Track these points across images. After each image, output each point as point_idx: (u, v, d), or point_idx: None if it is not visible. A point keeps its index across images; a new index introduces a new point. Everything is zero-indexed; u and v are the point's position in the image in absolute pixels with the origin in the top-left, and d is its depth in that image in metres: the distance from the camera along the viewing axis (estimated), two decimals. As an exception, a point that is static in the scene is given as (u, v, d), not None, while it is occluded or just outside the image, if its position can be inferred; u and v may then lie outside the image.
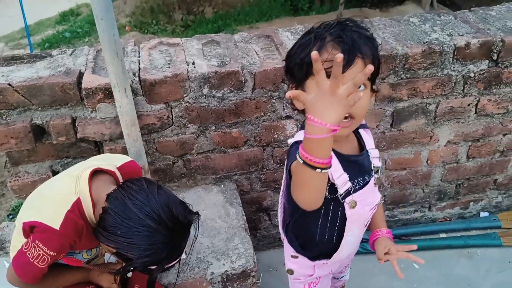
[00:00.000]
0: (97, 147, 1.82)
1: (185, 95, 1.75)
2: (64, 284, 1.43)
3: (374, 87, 1.21)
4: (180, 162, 1.94)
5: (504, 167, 2.31)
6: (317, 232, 1.37)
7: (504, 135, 2.18)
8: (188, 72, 1.71)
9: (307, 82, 1.15)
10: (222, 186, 2.02)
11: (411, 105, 1.98)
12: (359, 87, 1.09)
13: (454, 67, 1.90)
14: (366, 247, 2.28)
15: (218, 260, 1.67)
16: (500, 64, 1.94)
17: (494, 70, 1.95)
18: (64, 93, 1.68)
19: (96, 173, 1.32)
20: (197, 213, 1.34)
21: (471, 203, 2.42)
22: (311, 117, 0.97)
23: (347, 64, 1.07)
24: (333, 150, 1.16)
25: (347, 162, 1.24)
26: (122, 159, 1.45)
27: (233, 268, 1.65)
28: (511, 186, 2.39)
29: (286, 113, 1.90)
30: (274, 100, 1.85)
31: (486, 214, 2.46)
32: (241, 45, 1.91)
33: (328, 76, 1.00)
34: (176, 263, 1.32)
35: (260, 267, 1.87)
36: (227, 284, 1.67)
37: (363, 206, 1.31)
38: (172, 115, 1.80)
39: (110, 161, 1.41)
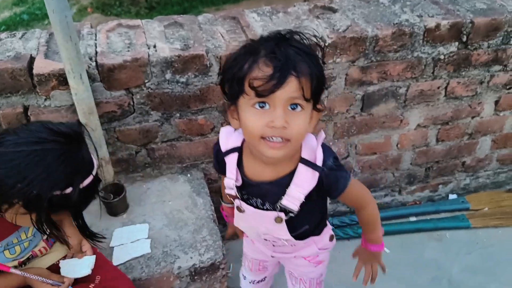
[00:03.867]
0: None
1: (146, 81, 1.65)
2: None
3: (319, 106, 1.11)
4: (143, 152, 1.84)
5: (472, 150, 2.31)
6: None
7: (472, 117, 2.18)
8: (149, 56, 1.61)
9: (239, 100, 1.06)
10: (189, 175, 1.94)
11: (381, 88, 1.94)
12: (294, 108, 1.04)
13: (424, 49, 1.87)
14: (338, 233, 2.26)
15: (186, 253, 1.61)
16: (469, 46, 1.92)
17: (463, 52, 1.93)
18: (14, 79, 1.55)
19: None
20: (80, 123, 1.21)
21: (440, 186, 2.43)
22: None
23: (278, 82, 0.99)
24: (239, 165, 1.23)
25: (247, 182, 1.23)
26: None
27: (201, 261, 1.59)
28: (479, 168, 2.41)
29: (254, 99, 1.82)
30: (241, 85, 1.77)
31: (454, 196, 2.48)
32: (205, 27, 1.81)
33: (258, 94, 1.00)
34: (94, 180, 1.18)
35: (231, 257, 1.82)
36: (195, 277, 1.61)
37: (256, 225, 1.31)
38: (133, 102, 1.70)
39: None
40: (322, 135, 1.19)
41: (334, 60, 1.78)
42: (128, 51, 1.63)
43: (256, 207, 1.27)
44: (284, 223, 1.26)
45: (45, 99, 1.61)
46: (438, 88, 2.01)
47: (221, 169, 1.31)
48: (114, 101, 1.67)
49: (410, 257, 2.22)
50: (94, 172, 1.17)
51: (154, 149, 1.85)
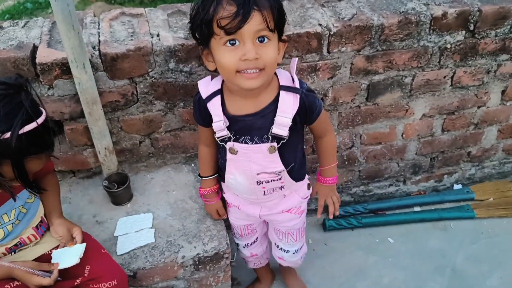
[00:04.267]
0: (57, 127, 1.70)
1: (150, 70, 1.64)
2: None
3: (283, 37, 1.26)
4: (147, 141, 1.84)
5: (478, 140, 2.30)
6: (220, 162, 1.52)
7: (478, 107, 2.15)
8: (152, 45, 1.60)
9: (211, 42, 1.20)
10: (193, 165, 1.93)
11: (386, 78, 1.92)
12: (262, 40, 1.17)
13: (430, 38, 1.84)
14: (341, 223, 2.26)
15: (190, 243, 1.61)
16: (476, 35, 1.89)
17: (470, 41, 1.90)
18: (17, 69, 1.54)
19: None
20: (23, 77, 1.21)
21: (445, 176, 2.41)
22: None
23: (243, 18, 1.12)
24: (222, 106, 1.34)
25: (232, 120, 1.34)
26: None
27: (205, 251, 1.59)
28: (484, 158, 2.39)
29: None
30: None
31: (459, 186, 2.47)
32: (209, 16, 1.79)
33: (227, 32, 1.13)
34: (39, 129, 1.15)
35: (235, 246, 1.82)
36: (200, 267, 1.61)
37: (248, 161, 1.40)
38: (137, 92, 1.69)
39: None
40: (295, 60, 1.33)
41: (340, 49, 1.76)
42: (132, 40, 1.62)
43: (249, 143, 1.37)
44: (277, 153, 1.38)
45: (48, 88, 1.60)
46: (444, 77, 1.99)
47: (203, 119, 1.42)
48: (118, 91, 1.66)
49: (414, 247, 2.22)
50: (39, 120, 1.15)
51: (158, 139, 1.84)
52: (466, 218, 2.32)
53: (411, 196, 2.41)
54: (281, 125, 1.32)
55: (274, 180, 1.46)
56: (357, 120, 2.02)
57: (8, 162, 1.14)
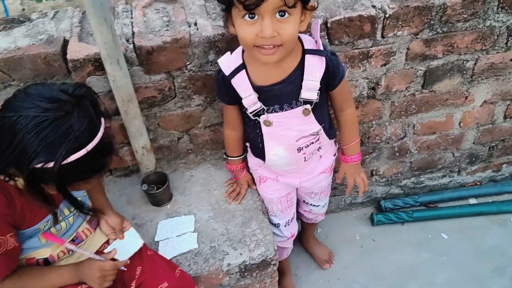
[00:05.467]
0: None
1: (188, 63, 1.51)
2: (49, 287, 1.24)
3: (310, 5, 1.18)
4: (186, 137, 1.73)
5: (542, 126, 2.09)
6: (254, 141, 1.50)
7: (546, 91, 1.94)
8: (190, 36, 1.46)
9: (232, 11, 1.16)
10: (234, 160, 1.82)
11: (446, 63, 1.73)
12: (282, 15, 1.12)
13: (498, 17, 1.64)
14: (391, 217, 2.12)
15: (235, 249, 1.50)
16: (550, 12, 1.67)
17: (543, 19, 1.68)
18: (48, 65, 1.44)
19: None
20: (85, 85, 1.10)
21: (504, 165, 2.22)
22: None
23: None
24: (249, 78, 1.31)
25: (260, 91, 1.32)
26: None
27: (252, 258, 1.49)
28: (548, 145, 2.18)
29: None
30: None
31: (519, 176, 2.27)
32: None
33: (246, 7, 1.09)
34: (91, 155, 1.03)
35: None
36: (246, 274, 1.51)
37: (285, 129, 1.38)
38: (174, 86, 1.56)
39: None
40: (318, 21, 1.29)
41: (395, 33, 1.58)
42: (167, 30, 1.49)
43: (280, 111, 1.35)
44: (311, 114, 1.37)
45: (81, 86, 1.49)
46: (511, 60, 1.78)
47: (228, 96, 1.39)
48: (154, 86, 1.54)
49: (470, 243, 2.06)
50: (90, 146, 1.01)
51: (197, 135, 1.73)
52: (527, 211, 2.14)
53: (466, 187, 2.23)
54: (310, 89, 1.31)
55: (313, 143, 1.45)
56: (411, 109, 1.85)
57: (53, 184, 1.05)
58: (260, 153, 1.51)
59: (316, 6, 1.23)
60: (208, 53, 1.50)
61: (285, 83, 1.31)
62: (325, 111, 1.45)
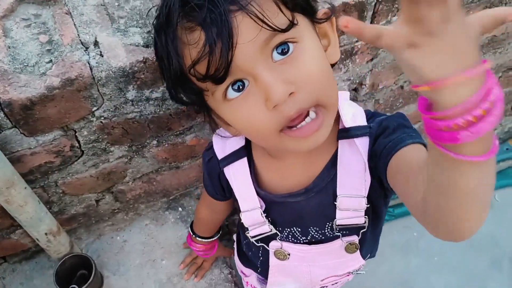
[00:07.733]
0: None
1: (95, 108, 0.96)
2: None
3: (322, 13, 0.69)
4: (108, 197, 1.20)
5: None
6: (251, 259, 1.02)
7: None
8: (91, 70, 0.89)
9: (209, 103, 0.72)
10: (180, 209, 1.34)
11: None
12: (285, 51, 0.62)
13: (509, -21, 1.23)
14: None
15: None
16: None
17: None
18: None
19: None
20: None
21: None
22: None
23: (224, 42, 0.59)
24: (253, 176, 0.82)
25: (268, 201, 0.83)
26: None
27: None
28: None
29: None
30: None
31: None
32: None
33: (217, 79, 0.63)
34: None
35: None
36: None
37: (308, 267, 0.91)
38: (79, 142, 1.01)
39: None
40: (346, 94, 0.84)
41: (389, 19, 1.13)
42: (51, 62, 0.90)
43: (297, 243, 0.86)
44: (358, 251, 0.88)
45: None
46: None
47: (215, 190, 0.93)
48: (46, 149, 0.98)
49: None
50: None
51: (123, 191, 1.20)
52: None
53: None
54: (353, 210, 0.78)
55: (341, 280, 1.02)
56: (397, 104, 1.45)
57: None
58: (254, 268, 1.04)
59: (333, 10, 0.71)
60: (126, 89, 0.95)
61: (312, 191, 0.79)
62: (378, 232, 0.93)
